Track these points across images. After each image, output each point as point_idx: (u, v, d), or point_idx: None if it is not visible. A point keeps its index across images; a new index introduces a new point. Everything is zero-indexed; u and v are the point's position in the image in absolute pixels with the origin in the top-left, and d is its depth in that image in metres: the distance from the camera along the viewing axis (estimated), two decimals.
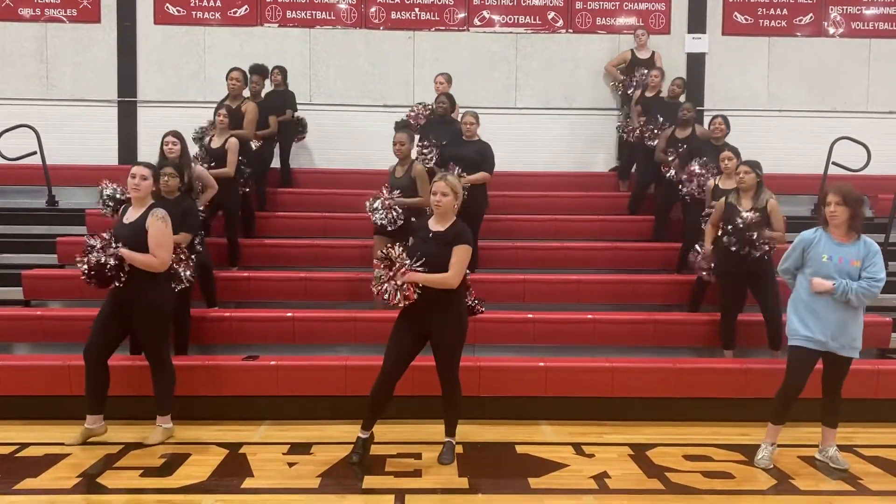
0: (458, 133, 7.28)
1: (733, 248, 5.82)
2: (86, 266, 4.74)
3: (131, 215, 4.92)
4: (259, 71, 8.22)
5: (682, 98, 8.59)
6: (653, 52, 9.44)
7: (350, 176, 9.00)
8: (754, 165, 5.97)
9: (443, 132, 7.49)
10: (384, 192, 6.48)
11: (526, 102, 9.94)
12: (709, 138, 7.38)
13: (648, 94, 8.67)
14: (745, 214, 5.82)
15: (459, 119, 7.38)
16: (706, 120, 9.94)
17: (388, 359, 4.59)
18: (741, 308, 6.18)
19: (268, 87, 8.68)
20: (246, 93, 7.86)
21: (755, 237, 5.77)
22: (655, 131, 8.12)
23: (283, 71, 8.84)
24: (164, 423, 5.07)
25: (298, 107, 9.06)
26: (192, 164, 6.39)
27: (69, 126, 9.50)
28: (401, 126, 7.42)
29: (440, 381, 4.63)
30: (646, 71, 8.98)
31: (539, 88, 9.94)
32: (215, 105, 7.46)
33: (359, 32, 9.87)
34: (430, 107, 8.03)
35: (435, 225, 4.58)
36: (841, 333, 4.51)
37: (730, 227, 5.86)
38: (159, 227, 4.86)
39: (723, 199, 6.11)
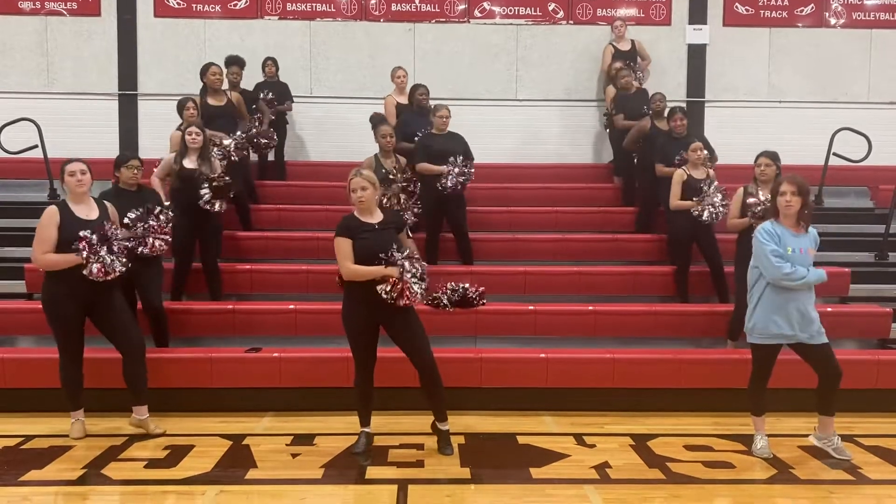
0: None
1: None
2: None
3: (85, 212, 4.84)
4: (237, 62, 8.18)
5: (637, 85, 8.64)
6: (632, 43, 9.41)
7: (348, 168, 8.91)
8: (774, 157, 5.99)
9: (419, 124, 7.50)
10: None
11: (526, 94, 9.93)
12: (671, 131, 7.38)
13: (619, 85, 8.69)
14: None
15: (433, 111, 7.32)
16: (707, 111, 10.05)
17: (359, 353, 4.63)
18: None
19: (258, 77, 8.70)
20: (224, 84, 7.87)
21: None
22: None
23: (276, 62, 8.84)
24: (144, 413, 5.07)
25: (297, 100, 9.10)
26: (212, 159, 6.46)
27: (70, 119, 9.49)
28: (380, 119, 7.42)
29: (418, 367, 4.60)
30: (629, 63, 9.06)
31: (540, 80, 9.92)
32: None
33: (359, 25, 9.86)
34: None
35: (369, 217, 4.57)
36: (808, 324, 4.57)
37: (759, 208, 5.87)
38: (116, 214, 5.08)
39: (740, 189, 6.13)
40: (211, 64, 7.70)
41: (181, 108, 7.06)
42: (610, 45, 9.46)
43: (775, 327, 4.59)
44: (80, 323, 4.87)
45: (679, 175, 6.70)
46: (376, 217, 4.61)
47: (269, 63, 8.79)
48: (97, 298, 4.81)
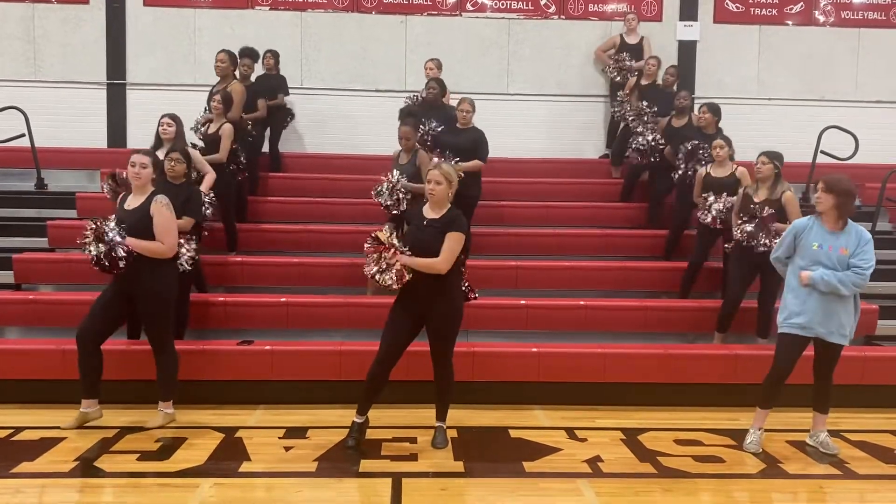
0: (449, 119, 7.27)
1: (742, 241, 5.84)
2: (95, 255, 4.72)
3: (132, 202, 4.92)
4: (250, 54, 8.16)
5: (676, 87, 8.62)
6: (641, 38, 9.44)
7: (341, 161, 8.99)
8: (773, 156, 5.95)
9: (433, 118, 7.50)
10: (390, 175, 6.50)
11: (518, 88, 9.93)
12: (699, 128, 7.40)
13: (644, 81, 8.67)
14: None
15: (455, 105, 7.34)
16: (696, 108, 10.09)
17: (384, 344, 4.61)
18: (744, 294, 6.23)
19: (259, 70, 8.64)
20: (235, 74, 7.81)
21: (760, 232, 5.80)
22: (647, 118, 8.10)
23: (275, 55, 8.80)
24: (167, 409, 5.07)
25: (289, 91, 9.05)
26: (188, 150, 6.38)
27: (58, 108, 9.39)
28: (405, 115, 7.37)
29: (434, 366, 4.66)
30: (629, 60, 9.08)
31: (531, 74, 9.93)
32: (208, 88, 7.46)
33: (350, 16, 9.81)
34: (418, 94, 8.04)
35: (429, 212, 4.61)
36: (828, 319, 4.60)
37: (744, 216, 5.89)
38: (164, 213, 4.88)
39: (742, 189, 6.15)
40: (220, 51, 7.60)
41: (209, 99, 7.15)
42: (618, 36, 9.50)
43: (793, 316, 4.66)
44: (107, 301, 4.89)
45: (700, 173, 6.69)
46: (437, 213, 4.58)
47: (268, 56, 8.71)
48: (134, 290, 4.85)
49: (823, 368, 4.76)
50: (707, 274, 6.88)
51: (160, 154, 6.20)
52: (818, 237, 4.61)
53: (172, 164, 5.69)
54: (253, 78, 8.33)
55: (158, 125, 6.33)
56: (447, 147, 6.91)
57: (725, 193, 6.42)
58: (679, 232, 7.36)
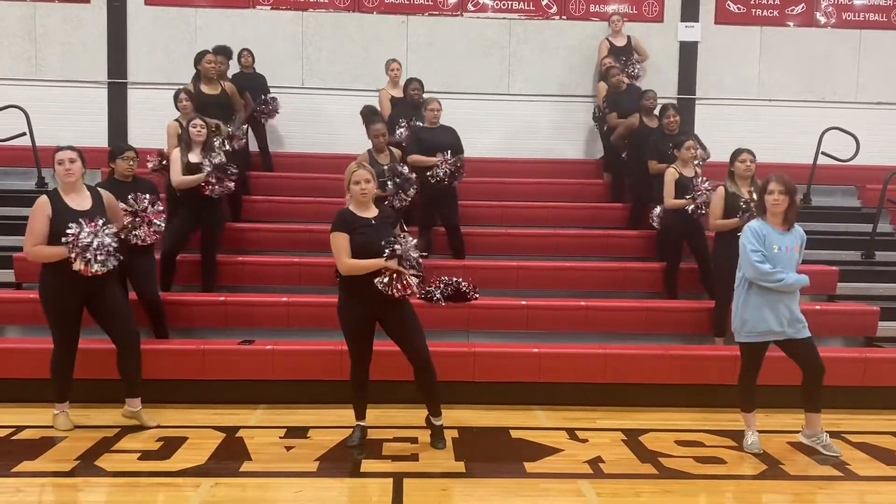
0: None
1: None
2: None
3: (79, 201, 4.75)
4: (224, 51, 8.09)
5: (627, 82, 8.68)
6: (628, 38, 9.43)
7: (340, 160, 8.94)
8: (755, 155, 6.08)
9: (414, 117, 7.55)
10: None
11: (519, 88, 9.93)
12: (664, 128, 7.41)
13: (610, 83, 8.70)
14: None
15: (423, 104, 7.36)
16: (697, 109, 10.11)
17: (355, 347, 4.64)
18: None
19: (234, 68, 8.59)
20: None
21: None
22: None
23: (251, 53, 8.75)
24: (137, 405, 5.02)
25: (289, 90, 9.05)
26: (217, 150, 6.43)
27: (58, 107, 9.37)
28: (370, 114, 7.33)
29: (414, 362, 4.60)
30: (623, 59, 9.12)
31: (532, 75, 9.92)
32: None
33: (351, 16, 9.81)
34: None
35: (364, 212, 4.57)
36: (793, 318, 4.66)
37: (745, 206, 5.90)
38: (117, 202, 5.11)
39: (721, 188, 6.16)
40: (206, 51, 7.61)
41: (175, 100, 7.05)
42: (605, 40, 9.47)
43: (765, 324, 4.67)
44: (77, 314, 4.82)
45: (671, 174, 6.72)
46: (372, 212, 4.60)
47: (245, 54, 8.68)
48: (95, 289, 4.74)
49: (812, 358, 4.71)
50: (693, 274, 6.86)
51: (192, 157, 6.27)
52: (776, 239, 4.64)
53: (130, 163, 5.69)
54: (228, 75, 8.33)
55: (191, 127, 6.36)
56: (436, 145, 6.93)
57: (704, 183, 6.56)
58: (666, 232, 7.33)
